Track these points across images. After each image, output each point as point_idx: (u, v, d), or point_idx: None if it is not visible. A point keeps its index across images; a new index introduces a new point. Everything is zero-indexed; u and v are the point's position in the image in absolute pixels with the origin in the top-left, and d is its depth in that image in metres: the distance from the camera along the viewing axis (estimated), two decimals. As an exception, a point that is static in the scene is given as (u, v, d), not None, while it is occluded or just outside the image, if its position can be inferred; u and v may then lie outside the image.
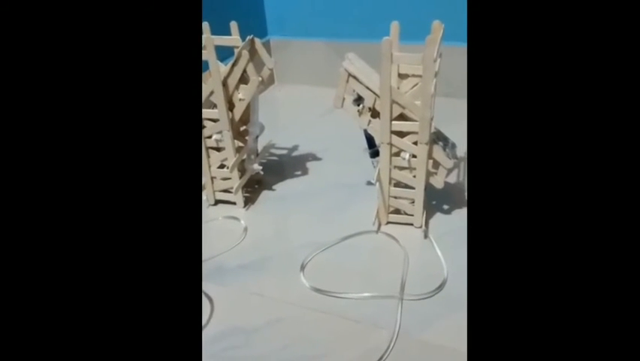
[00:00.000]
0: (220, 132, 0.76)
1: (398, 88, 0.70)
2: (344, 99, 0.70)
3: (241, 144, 0.81)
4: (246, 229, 0.79)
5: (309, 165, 0.97)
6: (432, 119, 0.66)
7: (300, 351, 0.57)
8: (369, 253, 0.73)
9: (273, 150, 1.02)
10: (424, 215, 0.76)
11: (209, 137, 0.77)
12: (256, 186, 0.90)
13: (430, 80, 0.61)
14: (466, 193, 0.84)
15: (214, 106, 0.75)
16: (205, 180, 0.82)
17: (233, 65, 0.72)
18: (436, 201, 0.82)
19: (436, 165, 0.70)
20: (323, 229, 0.77)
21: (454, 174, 0.90)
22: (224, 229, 0.80)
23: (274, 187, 0.90)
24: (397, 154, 0.70)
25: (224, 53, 0.75)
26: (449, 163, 0.69)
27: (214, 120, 0.76)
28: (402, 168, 0.72)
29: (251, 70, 0.72)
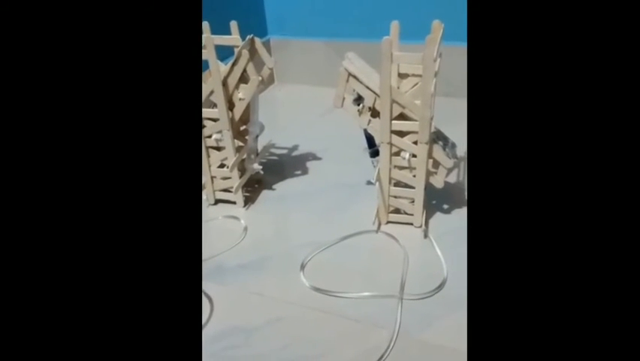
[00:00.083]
0: (220, 132, 0.76)
1: (398, 87, 0.70)
2: (344, 99, 0.70)
3: (241, 144, 0.81)
4: (245, 229, 0.79)
5: (309, 164, 0.97)
6: (432, 118, 0.66)
7: (300, 351, 0.57)
8: (369, 252, 0.73)
9: (273, 150, 1.02)
10: (424, 215, 0.76)
11: (209, 136, 0.77)
12: (256, 186, 0.90)
13: (429, 79, 0.61)
14: (466, 193, 0.84)
15: (214, 105, 0.75)
16: (205, 179, 0.82)
17: (233, 64, 0.72)
18: (435, 200, 0.82)
19: (436, 164, 0.70)
20: (323, 229, 0.77)
21: (454, 173, 0.90)
22: (224, 228, 0.80)
23: (274, 187, 0.90)
24: (397, 154, 0.70)
25: (224, 53, 0.75)
26: (449, 163, 0.69)
27: (214, 120, 0.76)
28: (402, 168, 0.72)
29: (251, 69, 0.72)
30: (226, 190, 0.83)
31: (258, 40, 0.75)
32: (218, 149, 0.79)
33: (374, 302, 0.63)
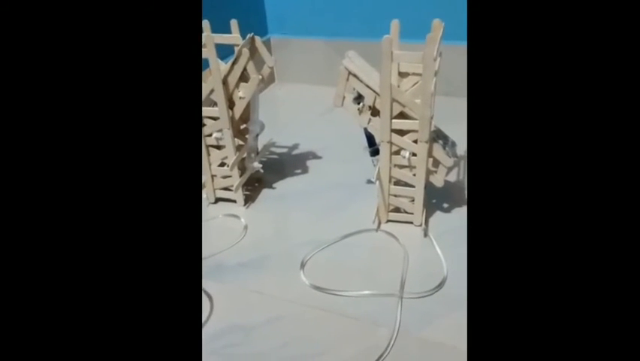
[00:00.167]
0: (220, 130, 0.76)
1: (398, 86, 0.70)
2: (344, 97, 0.70)
3: (241, 143, 0.81)
4: (246, 227, 0.79)
5: (309, 163, 0.97)
6: (432, 117, 0.66)
7: (300, 349, 0.57)
8: (369, 251, 0.73)
9: (273, 149, 1.02)
10: (424, 213, 0.76)
11: (210, 135, 0.77)
12: (256, 185, 0.90)
13: (430, 78, 0.61)
14: (465, 192, 0.84)
15: (214, 104, 0.75)
16: (205, 178, 0.82)
17: (234, 63, 0.72)
18: (435, 199, 0.82)
19: (436, 163, 0.71)
20: (323, 227, 0.77)
21: (454, 172, 0.90)
22: (225, 226, 0.80)
23: (274, 185, 0.90)
24: (397, 152, 0.70)
25: (224, 52, 0.75)
26: (449, 162, 0.69)
27: (214, 118, 0.76)
28: (402, 167, 0.72)
29: (251, 68, 0.72)
30: (226, 189, 0.83)
31: (258, 39, 0.75)
32: (219, 147, 0.79)
33: (374, 301, 0.63)
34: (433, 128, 0.67)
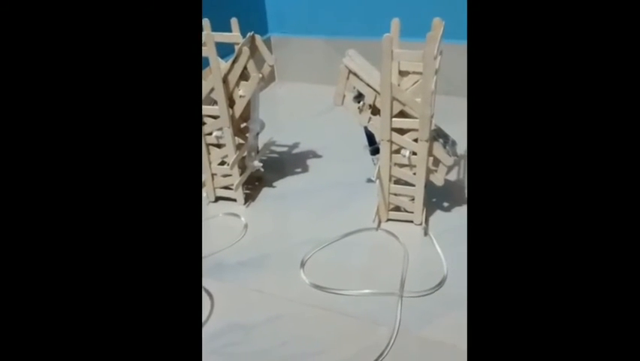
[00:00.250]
0: (220, 129, 0.76)
1: (398, 85, 0.70)
2: (344, 96, 0.69)
3: (241, 141, 0.81)
4: (246, 226, 0.79)
5: (310, 162, 0.97)
6: (432, 116, 0.66)
7: (300, 348, 0.57)
8: (370, 250, 0.73)
9: (273, 148, 1.02)
10: (424, 212, 0.76)
11: (210, 133, 0.77)
12: (256, 183, 0.90)
13: (430, 77, 0.61)
14: (466, 191, 0.84)
15: (214, 103, 0.75)
16: (205, 176, 0.82)
17: (234, 61, 0.72)
18: (436, 198, 0.82)
19: (436, 162, 0.70)
20: (323, 226, 0.77)
21: (454, 171, 0.90)
22: (225, 225, 0.80)
23: (274, 184, 0.90)
24: (397, 151, 0.70)
25: (224, 50, 0.75)
26: (449, 161, 0.69)
27: (214, 117, 0.76)
28: (402, 166, 0.72)
29: (251, 67, 0.72)
30: (226, 188, 0.83)
31: (258, 38, 0.75)
32: (219, 146, 0.79)
33: (374, 300, 0.63)
34: (433, 127, 0.67)
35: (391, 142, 0.69)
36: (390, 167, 0.72)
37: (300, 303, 0.63)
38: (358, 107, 0.69)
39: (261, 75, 0.74)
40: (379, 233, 0.76)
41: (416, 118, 0.66)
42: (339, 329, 0.59)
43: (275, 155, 1.00)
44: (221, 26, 0.72)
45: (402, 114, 0.67)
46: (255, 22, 1.31)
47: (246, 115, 0.78)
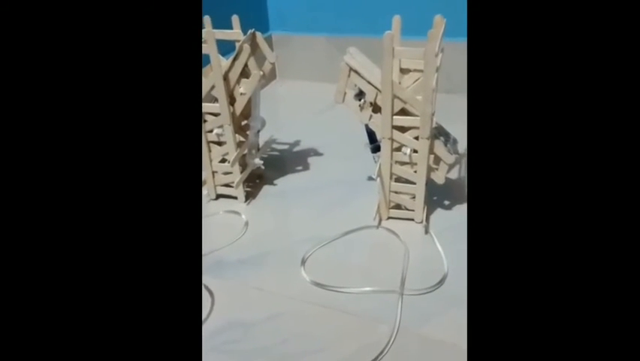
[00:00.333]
0: (221, 127, 0.76)
1: (399, 83, 0.70)
2: (345, 94, 0.69)
3: (242, 139, 0.81)
4: (246, 224, 0.79)
5: (310, 160, 0.97)
6: (433, 114, 0.66)
7: (300, 345, 0.57)
8: (370, 248, 0.73)
9: (274, 145, 1.02)
10: (425, 210, 0.76)
11: (211, 131, 0.77)
12: (257, 181, 0.90)
13: (431, 74, 0.61)
14: (467, 189, 0.84)
15: (215, 100, 0.75)
16: (206, 174, 0.82)
17: (235, 59, 0.72)
18: (437, 196, 0.82)
19: (437, 160, 0.70)
20: (324, 224, 0.77)
21: (455, 169, 0.89)
22: (225, 223, 0.80)
23: (275, 182, 0.90)
24: (398, 149, 0.70)
25: (225, 48, 0.75)
26: (450, 158, 0.69)
27: (215, 115, 0.76)
28: (403, 163, 0.72)
29: (252, 64, 0.72)
30: (227, 185, 0.83)
31: (259, 35, 0.75)
32: (220, 144, 0.79)
33: (374, 298, 0.63)
34: (434, 125, 0.67)
35: (392, 140, 0.69)
36: (391, 165, 0.72)
37: (300, 301, 0.63)
38: (359, 105, 0.69)
39: (261, 73, 0.73)
40: (380, 231, 0.76)
41: (417, 116, 0.65)
42: (340, 327, 0.59)
43: (276, 153, 1.00)
44: (222, 24, 0.72)
45: (403, 112, 0.67)
46: (256, 20, 1.30)
47: (246, 113, 0.78)
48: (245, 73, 0.73)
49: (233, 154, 0.78)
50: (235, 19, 0.74)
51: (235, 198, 0.84)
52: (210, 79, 0.72)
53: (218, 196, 0.85)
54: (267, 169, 0.90)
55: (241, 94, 0.75)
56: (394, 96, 0.65)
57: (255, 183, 0.89)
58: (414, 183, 0.72)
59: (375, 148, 0.76)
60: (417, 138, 0.67)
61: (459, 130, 0.73)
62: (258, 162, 0.84)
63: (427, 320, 0.59)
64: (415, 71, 0.70)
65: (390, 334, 0.58)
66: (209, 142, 0.79)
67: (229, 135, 0.77)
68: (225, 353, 0.57)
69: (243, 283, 0.67)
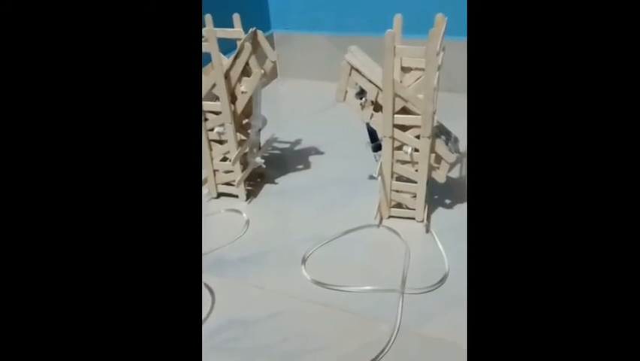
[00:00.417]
0: (222, 125, 0.76)
1: (401, 81, 0.69)
2: (346, 92, 0.69)
3: (243, 137, 0.81)
4: (247, 222, 0.79)
5: (312, 158, 0.97)
6: (434, 112, 0.65)
7: (301, 344, 0.57)
8: (371, 246, 0.73)
9: (275, 144, 1.02)
10: (426, 209, 0.75)
11: (212, 129, 0.77)
12: (258, 180, 0.90)
13: (432, 73, 0.61)
14: (467, 188, 0.84)
15: (216, 99, 0.75)
16: (207, 173, 0.82)
17: (236, 57, 0.72)
18: (438, 195, 0.82)
19: (439, 159, 0.70)
20: (324, 223, 0.77)
21: (456, 168, 0.89)
22: (226, 221, 0.80)
23: (276, 181, 0.90)
24: (399, 148, 0.70)
25: (226, 46, 0.75)
26: (451, 157, 0.69)
27: (216, 113, 0.76)
28: (404, 162, 0.72)
29: (253, 62, 0.72)
30: (228, 184, 0.83)
31: (260, 33, 0.75)
32: (221, 142, 0.79)
33: (375, 296, 0.63)
34: (435, 124, 0.67)
35: (393, 139, 0.69)
36: (392, 164, 0.72)
37: (301, 299, 0.63)
38: (360, 104, 0.69)
39: (263, 71, 0.73)
40: (381, 230, 0.76)
41: (418, 115, 0.65)
42: (340, 326, 0.59)
43: (277, 151, 1.00)
44: (224, 22, 0.72)
45: (404, 111, 0.67)
46: (258, 18, 1.30)
47: (247, 111, 0.78)
48: (246, 71, 0.73)
49: (234, 153, 0.78)
50: (236, 18, 0.74)
51: (236, 196, 0.84)
52: (211, 77, 0.72)
53: (220, 195, 0.85)
54: (268, 168, 0.90)
55: (242, 92, 0.75)
56: (395, 95, 0.65)
57: (256, 181, 0.89)
58: (415, 182, 0.72)
59: (377, 147, 0.76)
60: (418, 137, 0.67)
61: (460, 129, 0.73)
62: (259, 160, 0.84)
63: (427, 319, 0.59)
64: (417, 69, 0.70)
65: (391, 333, 0.58)
66: (210, 141, 0.79)
67: (230, 134, 0.77)
68: (226, 351, 0.57)
69: (243, 282, 0.67)
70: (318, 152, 0.99)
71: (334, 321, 0.60)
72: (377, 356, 0.55)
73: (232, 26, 0.74)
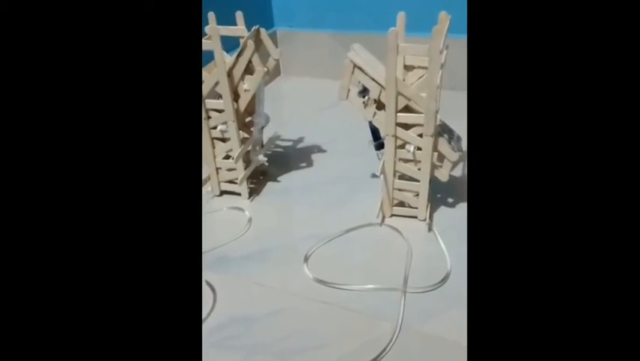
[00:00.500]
0: (225, 123, 0.76)
1: (404, 80, 0.69)
2: (349, 91, 0.69)
3: (246, 135, 0.81)
4: (250, 220, 0.79)
5: (314, 157, 0.97)
6: (437, 111, 0.65)
7: (302, 341, 0.57)
8: (373, 245, 0.73)
9: (278, 142, 1.02)
10: (429, 208, 0.75)
11: (215, 127, 0.77)
12: (261, 178, 0.90)
13: (436, 71, 0.61)
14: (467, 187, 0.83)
15: (219, 97, 0.75)
16: (210, 170, 0.82)
17: (239, 55, 0.71)
18: (440, 194, 0.82)
19: (441, 157, 0.70)
20: (327, 221, 0.77)
21: (459, 167, 0.89)
22: (229, 219, 0.80)
23: (279, 179, 0.90)
24: (402, 146, 0.70)
25: (229, 44, 0.75)
26: (454, 156, 0.69)
27: (219, 111, 0.76)
28: (407, 161, 0.71)
29: (256, 60, 0.72)
30: (231, 182, 0.84)
31: (263, 31, 0.75)
32: (224, 140, 0.79)
33: (377, 295, 0.63)
34: (438, 122, 0.67)
35: (396, 137, 0.69)
36: (395, 162, 0.72)
37: (303, 297, 0.63)
38: (363, 102, 0.69)
39: (265, 69, 0.73)
40: (383, 228, 0.76)
41: (421, 113, 0.65)
42: (342, 324, 0.59)
43: (279, 149, 1.00)
44: (227, 20, 0.72)
45: (407, 109, 0.67)
46: (261, 16, 1.30)
47: (250, 109, 0.78)
48: (249, 69, 0.73)
49: (237, 151, 0.78)
50: (239, 16, 0.74)
51: (239, 194, 0.84)
52: (214, 75, 0.72)
53: (222, 193, 0.85)
54: (270, 166, 0.90)
55: (245, 90, 0.75)
56: (398, 93, 0.65)
57: (258, 179, 0.89)
58: (417, 181, 0.72)
59: (379, 145, 0.76)
60: (421, 136, 0.67)
61: (463, 127, 0.73)
62: (261, 158, 0.84)
63: (429, 317, 0.59)
64: (420, 67, 0.70)
65: (393, 331, 0.58)
66: (213, 138, 0.79)
67: (233, 132, 0.77)
68: (227, 348, 0.57)
69: (245, 279, 0.67)
70: (320, 150, 0.99)
71: (336, 319, 0.60)
72: (379, 355, 0.55)
73: (235, 24, 0.74)
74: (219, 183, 0.84)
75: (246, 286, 0.66)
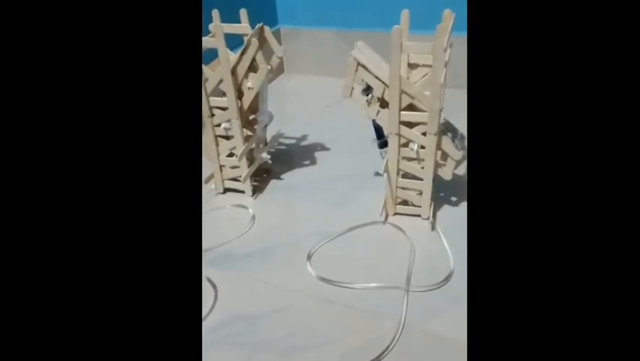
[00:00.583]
0: (229, 121, 0.76)
1: (407, 78, 0.69)
2: (353, 89, 0.69)
3: (250, 133, 0.81)
4: (253, 218, 0.79)
5: (318, 154, 0.97)
6: (441, 109, 0.65)
7: (305, 339, 0.57)
8: (376, 243, 0.73)
9: (281, 140, 1.02)
10: (432, 207, 0.75)
11: (218, 125, 0.78)
12: (264, 175, 0.90)
13: (440, 70, 0.61)
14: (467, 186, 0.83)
15: (223, 94, 0.75)
16: (214, 168, 0.82)
17: (243, 53, 0.72)
18: (444, 192, 0.81)
19: (445, 156, 0.70)
20: (330, 219, 0.77)
21: (462, 165, 0.89)
22: (232, 217, 0.80)
23: (282, 176, 0.90)
24: (406, 145, 0.70)
25: (233, 41, 0.75)
26: (458, 155, 0.69)
27: (223, 109, 0.76)
28: (410, 159, 0.71)
29: (260, 58, 0.72)
30: (234, 179, 0.84)
31: (267, 29, 0.75)
32: (227, 138, 0.79)
33: (380, 293, 0.63)
34: (442, 121, 0.67)
35: (399, 135, 0.69)
36: (398, 160, 0.72)
37: (305, 295, 0.64)
38: (367, 100, 0.69)
39: (269, 67, 0.73)
40: (386, 227, 0.76)
41: (425, 111, 0.65)
42: (345, 322, 0.60)
43: (283, 147, 1.00)
44: (231, 17, 0.72)
45: (410, 107, 0.66)
46: (265, 14, 1.30)
47: (254, 107, 0.78)
48: (253, 67, 0.73)
49: (240, 148, 0.78)
50: (243, 13, 0.74)
51: (242, 192, 0.85)
52: (218, 73, 0.72)
53: (226, 190, 0.86)
54: (274, 163, 0.90)
55: (249, 88, 0.75)
56: (402, 91, 0.64)
57: (262, 177, 0.89)
58: (421, 179, 0.72)
59: (383, 143, 0.76)
60: (424, 134, 0.67)
61: (466, 126, 0.73)
62: (265, 156, 0.84)
63: (432, 316, 0.59)
64: (424, 66, 0.70)
65: (396, 330, 0.58)
66: (216, 136, 0.79)
67: (237, 129, 0.77)
68: (230, 345, 0.57)
69: (248, 277, 0.67)
70: (324, 148, 0.99)
71: (339, 317, 0.60)
72: (381, 353, 0.55)
73: (239, 22, 0.74)
74: (223, 180, 0.84)
75: (249, 283, 0.66)
